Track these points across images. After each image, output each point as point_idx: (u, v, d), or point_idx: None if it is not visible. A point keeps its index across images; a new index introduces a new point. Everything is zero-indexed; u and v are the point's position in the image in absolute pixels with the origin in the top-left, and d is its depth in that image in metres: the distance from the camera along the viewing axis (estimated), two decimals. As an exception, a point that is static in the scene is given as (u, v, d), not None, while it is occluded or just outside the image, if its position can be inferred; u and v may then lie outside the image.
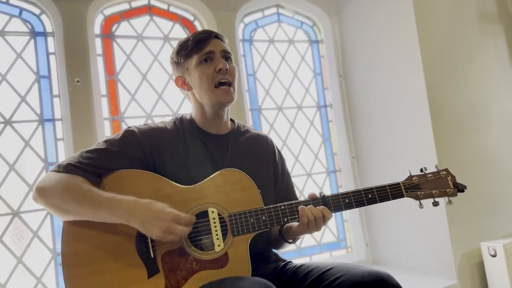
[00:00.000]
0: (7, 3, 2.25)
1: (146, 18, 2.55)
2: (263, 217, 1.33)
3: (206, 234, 1.31)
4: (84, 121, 2.24)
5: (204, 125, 1.48)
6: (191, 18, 2.66)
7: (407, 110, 2.55)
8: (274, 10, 2.93)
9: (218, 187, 1.34)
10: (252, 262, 1.36)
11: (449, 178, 1.46)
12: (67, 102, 2.24)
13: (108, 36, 2.44)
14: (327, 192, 2.90)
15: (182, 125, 1.47)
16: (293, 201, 1.37)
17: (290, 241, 1.52)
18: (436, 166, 1.48)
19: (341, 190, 2.87)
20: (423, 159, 2.45)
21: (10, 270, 2.09)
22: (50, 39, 2.30)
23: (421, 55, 2.43)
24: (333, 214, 1.40)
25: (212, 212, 1.31)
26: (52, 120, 2.27)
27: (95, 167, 1.29)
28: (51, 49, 2.30)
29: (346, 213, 2.92)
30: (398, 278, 2.53)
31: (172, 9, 2.63)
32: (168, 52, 2.56)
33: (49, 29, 2.31)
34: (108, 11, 2.46)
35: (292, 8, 2.97)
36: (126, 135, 1.37)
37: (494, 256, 2.37)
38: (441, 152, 2.40)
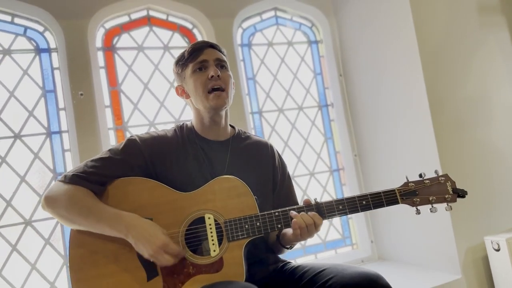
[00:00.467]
0: (12, 22, 2.36)
1: (146, 29, 2.63)
2: (258, 223, 1.38)
3: (202, 240, 1.36)
4: (89, 131, 2.34)
5: (203, 131, 1.54)
6: (189, 26, 2.73)
7: (407, 106, 2.57)
8: (272, 13, 2.97)
9: (214, 193, 1.39)
10: (252, 265, 1.43)
11: (448, 183, 1.45)
12: (72, 115, 2.34)
13: (109, 48, 2.53)
14: (331, 190, 2.95)
15: (182, 133, 1.53)
16: (287, 208, 1.41)
17: (288, 246, 1.55)
18: (436, 171, 1.47)
19: (345, 188, 2.95)
20: (424, 155, 2.46)
21: (25, 276, 2.21)
22: (54, 55, 2.41)
23: (419, 52, 2.44)
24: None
25: (209, 218, 1.37)
26: (59, 132, 2.37)
27: (99, 175, 1.37)
28: (56, 64, 2.40)
29: (351, 211, 2.95)
30: (403, 273, 2.58)
31: (171, 18, 2.70)
32: (168, 61, 2.64)
33: (52, 45, 2.41)
34: (108, 24, 2.55)
35: (290, 11, 3.00)
36: (128, 144, 1.45)
37: (497, 250, 2.37)
38: (442, 148, 2.41)
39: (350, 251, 2.92)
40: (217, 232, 1.36)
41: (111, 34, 2.55)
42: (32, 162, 2.31)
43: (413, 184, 1.45)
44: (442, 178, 1.47)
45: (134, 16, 2.61)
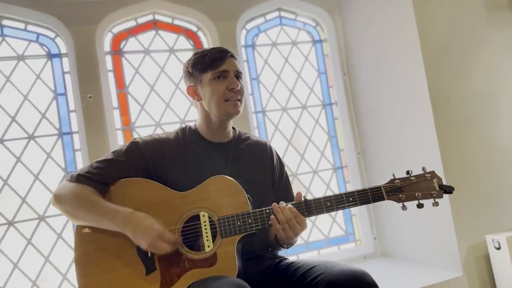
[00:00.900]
0: (25, 29, 2.50)
1: (152, 33, 2.73)
2: (249, 220, 1.45)
3: (197, 236, 1.45)
4: (97, 132, 2.47)
5: (207, 134, 1.61)
6: (194, 29, 2.82)
7: (409, 104, 2.59)
8: (276, 14, 3.03)
9: (209, 192, 1.47)
10: (249, 260, 1.50)
11: (434, 180, 1.48)
12: (81, 116, 2.47)
13: (117, 52, 2.65)
14: (334, 187, 3.01)
15: (185, 135, 1.61)
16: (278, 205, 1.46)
17: (284, 246, 1.61)
18: (423, 168, 1.50)
19: (349, 185, 2.99)
20: (426, 153, 2.49)
21: (39, 268, 2.37)
22: (65, 60, 2.54)
23: (421, 50, 2.45)
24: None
25: (203, 215, 1.45)
26: (70, 133, 2.51)
27: (103, 175, 1.48)
28: (66, 68, 2.54)
29: (354, 208, 2.99)
30: (405, 270, 2.62)
31: (176, 22, 2.79)
32: (173, 63, 2.74)
33: (63, 50, 2.55)
34: (116, 29, 2.67)
35: (294, 11, 3.05)
36: (131, 147, 1.54)
37: (498, 248, 2.38)
38: (444, 145, 2.42)
39: (353, 248, 2.97)
40: (211, 229, 1.44)
41: (119, 39, 2.67)
42: (45, 162, 2.46)
43: (399, 181, 1.49)
44: (429, 174, 1.50)
45: (141, 20, 2.72)
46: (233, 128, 1.70)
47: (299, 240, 2.83)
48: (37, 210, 2.40)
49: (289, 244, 1.62)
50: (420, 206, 1.49)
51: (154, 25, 2.74)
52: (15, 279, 2.33)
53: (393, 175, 1.51)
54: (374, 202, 1.50)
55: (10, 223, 2.36)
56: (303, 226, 1.48)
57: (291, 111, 2.98)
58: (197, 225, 1.45)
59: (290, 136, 2.95)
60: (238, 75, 1.58)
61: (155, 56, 2.72)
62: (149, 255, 1.42)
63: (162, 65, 2.72)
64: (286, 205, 1.46)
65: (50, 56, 2.53)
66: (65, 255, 2.39)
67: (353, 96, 3.05)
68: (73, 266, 1.48)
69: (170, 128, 2.54)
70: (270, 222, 1.46)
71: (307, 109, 3.02)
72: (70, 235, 2.43)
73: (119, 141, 2.55)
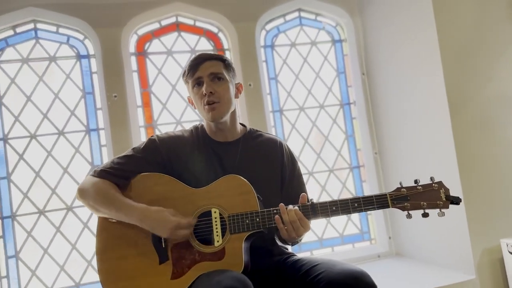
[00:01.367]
0: (57, 32, 2.68)
1: (175, 34, 2.85)
2: (257, 219, 1.52)
3: (208, 231, 1.54)
4: (122, 129, 2.62)
5: (212, 134, 1.70)
6: (215, 30, 2.92)
7: (427, 106, 2.59)
8: (296, 14, 3.08)
9: (221, 190, 1.56)
10: (257, 255, 1.58)
11: (441, 190, 1.50)
12: (107, 114, 2.63)
13: (141, 53, 2.79)
14: (350, 186, 3.04)
15: (198, 133, 1.71)
16: (285, 206, 1.53)
17: (289, 243, 1.68)
18: (431, 178, 1.52)
19: (365, 185, 3.03)
20: (443, 154, 2.49)
21: (66, 255, 2.56)
22: (92, 60, 2.70)
23: (440, 51, 2.44)
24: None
25: (215, 212, 1.54)
26: (97, 129, 2.68)
27: (123, 171, 1.59)
28: (94, 69, 2.70)
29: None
30: (418, 270, 2.65)
31: (198, 24, 2.90)
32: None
33: (91, 51, 2.71)
34: (141, 31, 2.81)
35: (314, 11, 3.10)
36: (148, 144, 1.65)
37: (512, 253, 2.36)
38: (461, 147, 2.41)
39: (368, 246, 3.01)
40: (221, 225, 1.53)
41: (143, 40, 2.81)
42: (73, 156, 2.63)
43: (405, 189, 1.52)
44: (436, 184, 1.51)
45: (164, 22, 2.84)
46: (243, 125, 1.77)
47: (313, 237, 2.92)
48: (66, 201, 2.58)
49: (292, 243, 1.67)
50: (425, 215, 1.51)
51: (177, 27, 2.86)
52: (45, 263, 2.52)
53: (400, 183, 1.54)
54: (378, 209, 1.55)
55: (41, 212, 2.55)
56: (306, 229, 1.53)
57: (309, 110, 3.03)
58: (208, 220, 1.54)
59: (307, 135, 3.01)
60: (216, 76, 1.62)
61: (177, 57, 2.84)
62: (163, 246, 1.53)
63: (183, 66, 2.83)
64: (293, 207, 1.51)
65: (79, 57, 2.70)
66: (90, 243, 2.56)
67: (372, 96, 3.07)
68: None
69: (190, 126, 2.66)
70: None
71: (324, 109, 3.06)
72: (95, 225, 2.55)
73: (142, 138, 2.69)
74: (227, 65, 1.68)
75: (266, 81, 2.94)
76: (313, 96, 3.05)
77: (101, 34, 2.66)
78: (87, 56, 2.70)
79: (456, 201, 1.50)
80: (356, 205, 1.53)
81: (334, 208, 1.53)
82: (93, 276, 2.53)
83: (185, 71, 1.68)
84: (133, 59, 2.77)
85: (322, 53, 3.11)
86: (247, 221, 1.52)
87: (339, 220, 2.99)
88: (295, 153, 2.87)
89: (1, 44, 2.59)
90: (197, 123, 1.78)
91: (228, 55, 2.89)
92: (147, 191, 1.57)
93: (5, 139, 2.54)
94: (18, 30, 2.62)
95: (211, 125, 1.68)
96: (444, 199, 1.49)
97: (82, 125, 2.67)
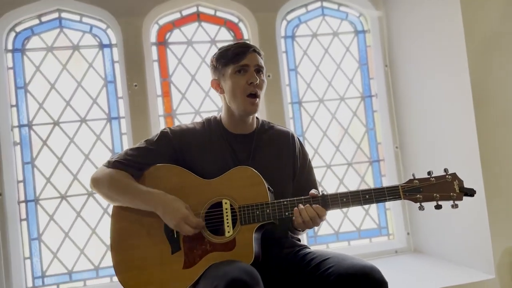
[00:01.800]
0: (80, 21, 2.73)
1: (195, 24, 2.86)
2: (267, 210, 1.54)
3: (219, 221, 1.57)
4: (141, 118, 2.66)
5: (230, 126, 1.71)
6: (235, 20, 2.91)
7: (451, 100, 2.53)
8: (318, 4, 3.03)
9: (232, 182, 1.58)
10: (269, 246, 1.60)
11: (455, 182, 1.49)
12: (127, 103, 2.68)
13: (162, 43, 2.81)
14: (369, 180, 3.01)
15: (210, 125, 1.73)
16: (295, 198, 1.55)
17: (300, 229, 1.67)
18: (445, 170, 1.51)
19: (384, 179, 2.98)
20: (465, 150, 2.42)
21: (86, 239, 2.64)
22: (114, 50, 2.75)
23: (466, 44, 2.36)
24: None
25: (226, 203, 1.57)
26: (118, 118, 2.73)
27: (136, 162, 1.63)
28: (116, 58, 2.74)
29: (390, 202, 2.95)
30: (436, 267, 2.61)
31: (218, 13, 2.90)
32: (214, 54, 2.85)
33: (113, 41, 2.75)
34: (162, 21, 2.83)
35: (336, 1, 3.04)
36: (160, 136, 1.68)
37: (533, 255, 2.29)
38: (484, 144, 2.34)
39: (386, 241, 2.97)
40: (232, 216, 1.55)
41: (164, 30, 2.83)
42: (95, 143, 2.70)
43: (417, 181, 1.51)
44: (449, 176, 1.50)
45: (185, 12, 2.86)
46: (256, 118, 1.77)
47: (329, 230, 2.91)
48: (87, 187, 2.65)
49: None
50: (438, 207, 1.50)
51: (198, 17, 2.87)
52: (65, 247, 2.61)
53: (413, 175, 1.53)
54: (390, 200, 1.55)
55: (63, 197, 2.64)
56: (323, 219, 1.55)
57: (328, 102, 3.00)
58: (219, 211, 1.56)
59: (326, 128, 2.98)
60: (259, 69, 1.64)
61: (197, 47, 2.85)
62: (175, 236, 1.56)
63: (203, 56, 2.85)
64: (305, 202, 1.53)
65: (102, 46, 2.75)
66: (109, 229, 2.63)
67: (394, 89, 3.00)
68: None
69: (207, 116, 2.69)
70: (287, 213, 1.54)
71: (345, 101, 3.02)
72: (114, 211, 2.66)
73: (161, 127, 2.71)
74: (263, 65, 1.69)
75: (285, 72, 2.92)
76: (333, 88, 3.01)
77: (123, 23, 2.69)
78: (109, 46, 2.75)
79: (470, 193, 1.48)
80: (367, 196, 1.53)
81: (344, 199, 1.53)
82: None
83: (226, 54, 1.64)
84: (154, 49, 2.80)
85: (344, 44, 3.06)
86: (258, 212, 1.54)
87: (356, 214, 2.96)
88: (313, 145, 2.92)
89: (27, 33, 2.66)
90: (215, 113, 1.79)
91: (248, 46, 2.88)
92: (160, 182, 1.60)
93: (29, 125, 2.63)
94: (43, 19, 2.69)
95: (236, 116, 1.67)
96: (457, 191, 1.48)
97: (104, 113, 2.73)
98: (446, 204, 1.51)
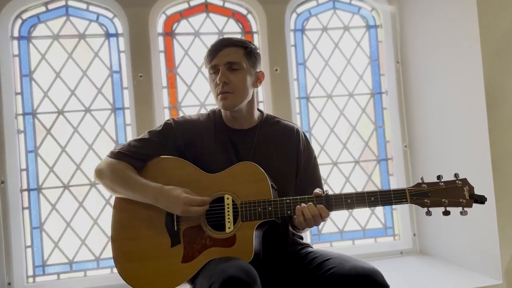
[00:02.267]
0: (87, 10, 2.70)
1: (203, 15, 2.81)
2: (269, 208, 1.52)
3: (220, 217, 1.54)
4: (146, 109, 2.63)
5: (228, 121, 1.69)
6: (244, 12, 2.86)
7: (463, 99, 2.46)
8: (330, -3, 2.97)
9: (235, 177, 1.56)
10: (270, 244, 1.58)
11: (465, 188, 1.44)
12: (132, 94, 2.65)
13: (169, 34, 2.77)
14: (376, 179, 2.95)
15: (215, 118, 1.71)
16: (298, 197, 1.53)
17: (299, 228, 1.64)
18: (455, 175, 1.46)
19: (392, 178, 2.93)
20: (476, 152, 2.36)
21: (88, 229, 2.63)
22: (121, 39, 2.71)
23: (481, 43, 2.28)
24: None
25: (228, 198, 1.55)
26: (122, 108, 2.70)
27: (139, 154, 1.62)
28: (122, 48, 2.71)
29: (396, 202, 2.91)
30: (443, 270, 2.57)
31: (227, 5, 2.84)
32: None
33: (120, 30, 2.71)
34: (169, 11, 2.78)
35: (348, -6, 2.97)
36: (164, 127, 1.66)
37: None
38: (496, 145, 2.27)
39: (391, 242, 2.91)
40: (233, 212, 1.53)
41: (171, 21, 2.78)
42: (99, 133, 2.68)
43: (425, 185, 1.47)
44: (460, 181, 1.46)
45: (193, 3, 2.80)
46: (261, 111, 1.74)
47: (334, 228, 2.86)
48: (90, 177, 2.64)
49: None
50: (446, 213, 1.45)
51: (206, 7, 2.82)
52: (67, 237, 2.60)
53: (421, 178, 1.49)
54: (396, 204, 1.51)
55: (66, 187, 2.62)
56: (324, 220, 1.52)
57: (337, 98, 2.93)
58: (221, 206, 1.54)
59: (334, 124, 2.92)
60: (231, 66, 1.59)
61: (204, 39, 2.81)
62: (176, 229, 1.54)
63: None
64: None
65: (108, 35, 2.71)
66: (110, 220, 2.62)
67: (405, 86, 2.93)
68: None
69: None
70: (289, 212, 1.51)
71: (354, 97, 2.95)
72: (116, 202, 2.65)
73: (166, 119, 2.69)
74: (249, 52, 1.64)
75: (293, 66, 2.86)
76: (342, 84, 2.94)
77: (130, 13, 2.66)
78: (116, 35, 2.72)
79: (480, 200, 1.43)
80: (372, 199, 1.49)
81: (349, 201, 1.50)
82: (113, 251, 2.59)
83: (205, 56, 1.66)
84: (161, 39, 2.76)
85: (355, 39, 2.98)
86: (259, 209, 1.51)
87: (362, 213, 2.91)
88: (320, 142, 2.86)
89: (33, 20, 2.64)
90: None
91: (256, 38, 2.83)
92: (162, 174, 1.59)
93: (34, 114, 2.62)
94: (50, 6, 2.66)
95: (227, 112, 1.67)
96: (467, 197, 1.43)
97: (108, 103, 2.70)
98: (454, 211, 1.46)
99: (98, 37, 2.71)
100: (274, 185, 1.57)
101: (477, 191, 1.46)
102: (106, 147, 2.65)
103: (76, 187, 2.63)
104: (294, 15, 2.90)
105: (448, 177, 1.49)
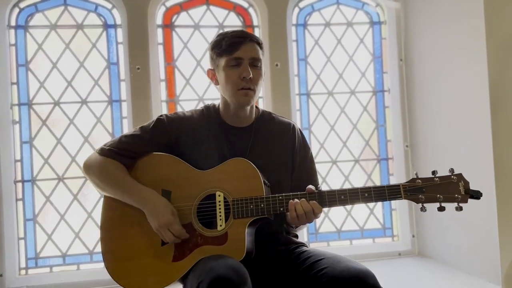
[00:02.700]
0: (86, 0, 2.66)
1: (203, 8, 2.77)
2: (262, 205, 1.47)
3: (212, 214, 1.50)
4: (142, 102, 2.60)
5: (227, 118, 1.62)
6: (245, 5, 2.81)
7: (467, 99, 2.42)
8: (333, -9, 2.91)
9: (227, 174, 1.51)
10: (263, 242, 1.53)
11: (461, 183, 1.40)
12: (129, 86, 2.61)
13: (168, 26, 2.73)
14: (376, 178, 2.90)
15: (209, 114, 1.64)
16: (291, 193, 1.48)
17: (292, 225, 1.61)
18: (450, 170, 1.42)
19: (392, 178, 2.88)
20: (479, 153, 2.32)
21: (82, 222, 2.60)
22: (119, 31, 2.68)
23: (486, 42, 2.25)
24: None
25: (219, 195, 1.50)
26: (119, 101, 2.67)
27: (130, 151, 1.56)
28: (120, 39, 2.67)
29: (396, 202, 2.87)
30: (441, 273, 2.54)
31: (228, -3, 2.80)
32: (222, 39, 2.76)
33: (118, 21, 2.67)
34: (169, 3, 2.74)
35: (353, -10, 2.91)
36: (156, 124, 1.60)
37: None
38: (498, 146, 2.24)
39: (389, 243, 2.88)
40: (225, 209, 1.48)
41: (171, 12, 2.74)
42: (95, 125, 2.65)
43: (420, 181, 1.42)
44: (455, 177, 1.41)
45: (194, -6, 2.77)
46: (257, 108, 1.69)
47: (331, 228, 2.83)
48: (85, 170, 2.61)
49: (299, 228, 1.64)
50: (441, 209, 1.40)
51: (206, 0, 2.77)
52: (61, 229, 2.58)
53: (416, 174, 1.44)
54: (390, 200, 1.48)
55: (60, 179, 2.60)
56: (317, 216, 1.47)
57: (338, 95, 2.88)
58: (212, 203, 1.50)
59: (334, 122, 2.87)
60: (254, 62, 1.53)
61: (204, 32, 2.76)
62: None
63: (210, 41, 2.75)
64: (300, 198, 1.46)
65: (106, 26, 2.67)
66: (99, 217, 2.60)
67: (408, 85, 2.88)
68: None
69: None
70: (282, 209, 1.47)
71: (355, 95, 2.90)
72: (111, 196, 2.62)
73: (163, 112, 2.65)
74: (263, 50, 1.58)
75: (294, 62, 2.81)
76: (344, 81, 2.90)
77: (129, 4, 2.62)
78: (114, 26, 2.68)
79: (476, 195, 1.39)
80: (366, 194, 1.44)
81: (342, 197, 1.45)
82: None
83: (220, 44, 1.54)
84: (159, 32, 2.72)
85: (358, 35, 2.93)
86: (251, 206, 1.47)
87: (360, 213, 2.87)
88: (320, 139, 2.82)
89: (31, 10, 2.60)
90: (215, 102, 1.70)
91: (256, 33, 2.78)
92: (153, 171, 1.54)
93: (29, 104, 2.59)
94: (48, -5, 2.63)
95: (231, 108, 1.59)
96: (463, 193, 1.39)
97: (105, 95, 2.67)
98: (450, 207, 1.42)
99: (96, 28, 2.67)
100: (266, 181, 1.52)
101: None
102: (101, 140, 2.62)
103: (71, 180, 2.61)
104: (296, 10, 2.85)
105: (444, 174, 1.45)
